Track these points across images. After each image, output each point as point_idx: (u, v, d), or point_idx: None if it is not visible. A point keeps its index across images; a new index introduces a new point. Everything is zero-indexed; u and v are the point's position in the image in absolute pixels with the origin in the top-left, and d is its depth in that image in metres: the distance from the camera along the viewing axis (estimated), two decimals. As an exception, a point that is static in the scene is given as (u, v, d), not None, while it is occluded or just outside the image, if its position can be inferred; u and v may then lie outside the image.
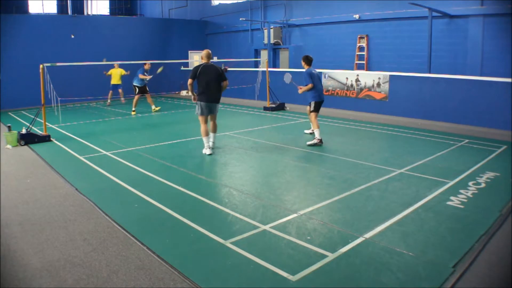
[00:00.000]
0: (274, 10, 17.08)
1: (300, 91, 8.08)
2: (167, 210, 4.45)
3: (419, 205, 4.51)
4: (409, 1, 11.13)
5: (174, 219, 4.23)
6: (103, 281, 3.06)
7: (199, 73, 6.78)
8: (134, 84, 12.52)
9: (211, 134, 7.22)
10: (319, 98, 7.90)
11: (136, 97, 12.62)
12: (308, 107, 8.31)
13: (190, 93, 7.06)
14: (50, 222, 4.22)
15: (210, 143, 7.12)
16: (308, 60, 7.95)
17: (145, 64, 12.50)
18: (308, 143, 7.74)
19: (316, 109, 7.91)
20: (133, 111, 12.58)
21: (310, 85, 7.75)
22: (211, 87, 6.85)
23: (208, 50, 7.07)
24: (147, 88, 12.88)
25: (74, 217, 4.34)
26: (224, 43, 19.64)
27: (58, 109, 9.98)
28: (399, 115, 11.01)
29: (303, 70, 7.97)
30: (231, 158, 6.79)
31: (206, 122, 7.05)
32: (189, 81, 6.86)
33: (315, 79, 7.84)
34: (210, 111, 7.03)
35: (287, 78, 9.16)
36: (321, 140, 7.70)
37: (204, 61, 6.98)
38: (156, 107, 13.13)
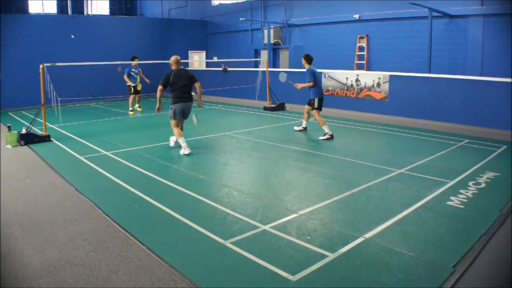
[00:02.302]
0: (274, 10, 17.08)
1: (298, 87, 8.59)
2: (167, 210, 4.45)
3: (419, 205, 4.51)
4: (409, 1, 11.13)
5: (174, 219, 4.23)
6: (103, 281, 3.06)
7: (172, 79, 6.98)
8: (128, 84, 12.67)
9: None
10: (322, 95, 8.42)
11: (131, 97, 12.81)
12: (307, 106, 8.60)
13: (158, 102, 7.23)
14: (50, 222, 4.22)
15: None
16: (309, 59, 8.43)
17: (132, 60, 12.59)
18: (320, 138, 8.12)
19: (320, 107, 8.35)
20: (131, 110, 12.72)
21: (311, 83, 8.25)
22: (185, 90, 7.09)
23: (176, 56, 7.27)
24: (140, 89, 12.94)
25: (74, 217, 4.34)
26: (224, 43, 19.64)
27: (58, 109, 9.97)
28: (399, 115, 11.00)
29: (304, 69, 8.44)
30: (231, 158, 6.79)
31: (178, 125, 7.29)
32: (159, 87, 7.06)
33: (317, 77, 8.34)
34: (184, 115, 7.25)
35: (282, 77, 9.69)
36: (332, 135, 8.13)
37: (173, 67, 7.14)
38: (139, 107, 13.33)
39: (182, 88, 7.08)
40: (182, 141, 7.11)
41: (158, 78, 17.00)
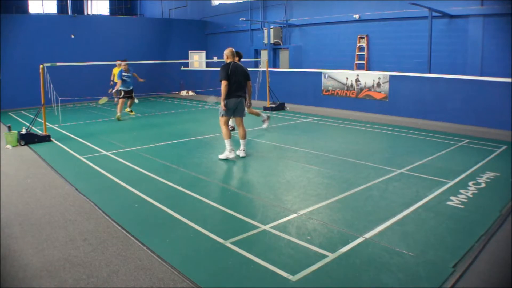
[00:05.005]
0: (274, 10, 17.08)
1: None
2: (167, 210, 4.45)
3: (419, 205, 4.51)
4: (409, 1, 11.13)
5: (174, 219, 4.23)
6: (103, 281, 3.06)
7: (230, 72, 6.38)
8: (120, 88, 11.52)
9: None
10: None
11: (121, 100, 11.62)
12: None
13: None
14: (50, 222, 4.22)
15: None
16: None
17: (120, 64, 11.57)
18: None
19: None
20: (131, 111, 12.08)
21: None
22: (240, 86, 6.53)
23: (231, 48, 6.73)
24: (133, 93, 11.91)
25: (74, 217, 4.34)
26: (224, 43, 19.59)
27: (58, 109, 9.97)
28: (399, 115, 11.01)
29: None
30: (231, 158, 6.77)
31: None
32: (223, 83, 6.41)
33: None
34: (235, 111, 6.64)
35: (211, 99, 9.45)
36: (234, 128, 8.35)
37: (229, 60, 6.60)
38: (131, 112, 12.14)
39: (237, 83, 6.46)
40: (228, 144, 6.54)
41: (158, 78, 16.92)
